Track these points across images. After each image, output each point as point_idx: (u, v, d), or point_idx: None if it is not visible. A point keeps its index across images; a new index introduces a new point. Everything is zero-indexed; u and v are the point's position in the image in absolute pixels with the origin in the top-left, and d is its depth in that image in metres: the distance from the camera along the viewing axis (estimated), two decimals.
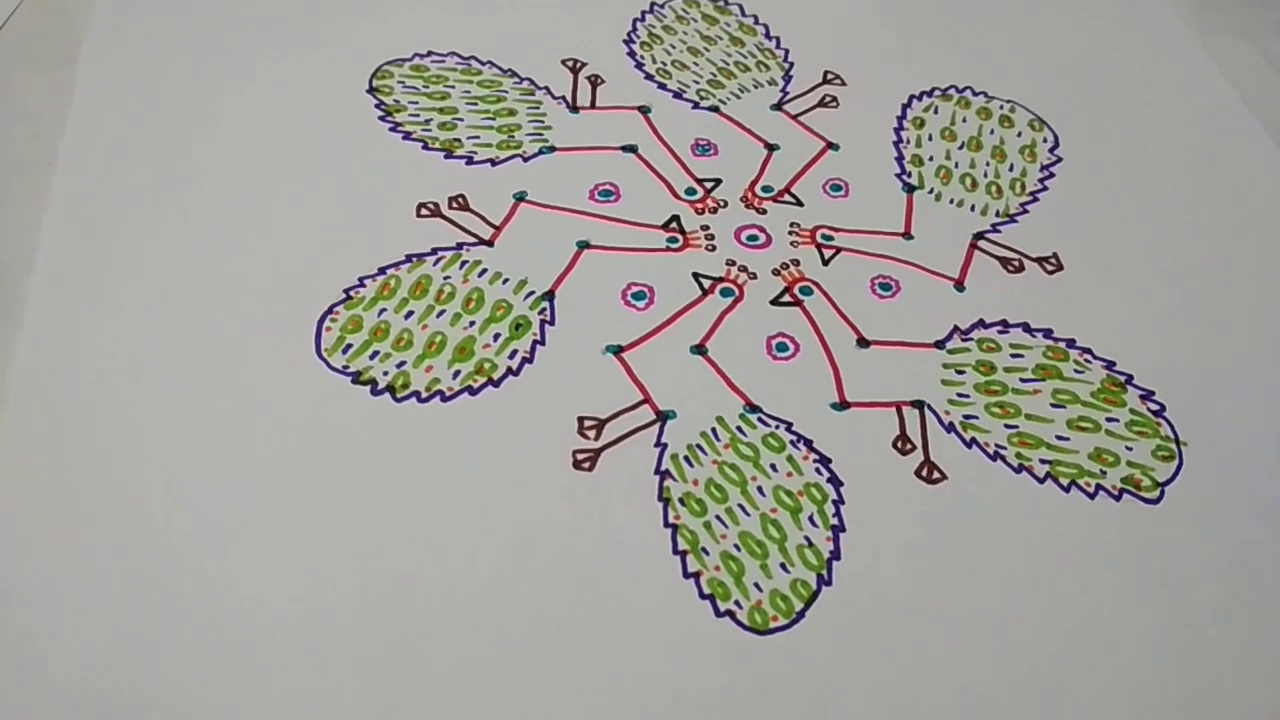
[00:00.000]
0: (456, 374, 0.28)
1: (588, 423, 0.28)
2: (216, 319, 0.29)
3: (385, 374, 0.28)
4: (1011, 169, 0.35)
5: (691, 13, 0.39)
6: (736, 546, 0.26)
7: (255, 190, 0.31)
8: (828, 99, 0.36)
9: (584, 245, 0.31)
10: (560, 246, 0.31)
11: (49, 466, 0.26)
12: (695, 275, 0.31)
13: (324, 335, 0.29)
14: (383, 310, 0.29)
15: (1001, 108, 0.37)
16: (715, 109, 0.36)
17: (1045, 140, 0.36)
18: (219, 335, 0.28)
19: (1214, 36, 0.41)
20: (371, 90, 0.35)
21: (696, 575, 0.25)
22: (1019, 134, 0.36)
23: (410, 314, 0.29)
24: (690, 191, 0.33)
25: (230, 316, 0.29)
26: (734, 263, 0.32)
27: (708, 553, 0.26)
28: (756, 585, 0.25)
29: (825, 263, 0.32)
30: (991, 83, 0.38)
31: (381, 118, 0.34)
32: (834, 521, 0.27)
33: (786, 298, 0.31)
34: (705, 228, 0.32)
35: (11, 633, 0.23)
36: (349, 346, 0.29)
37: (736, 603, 0.25)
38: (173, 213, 0.31)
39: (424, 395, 0.28)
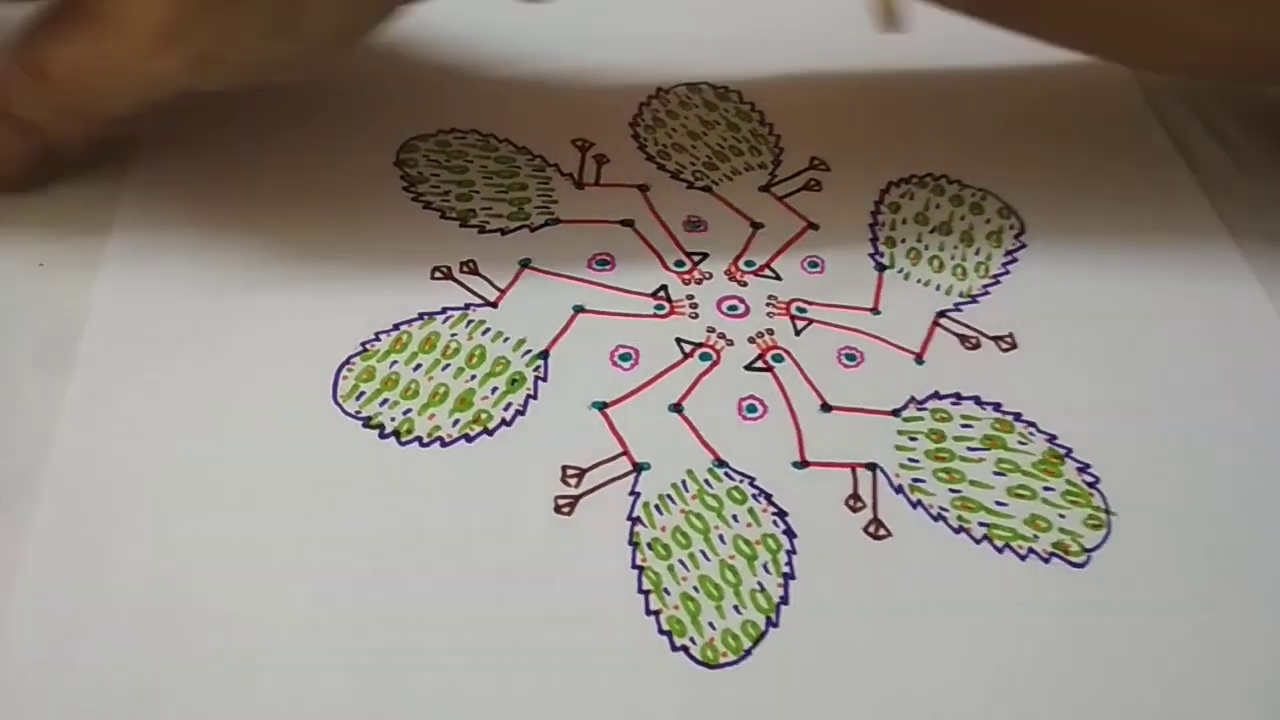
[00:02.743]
0: (456, 422, 0.32)
1: (570, 471, 0.31)
2: (247, 366, 0.32)
3: (393, 419, 0.32)
4: (978, 253, 0.38)
5: (694, 99, 0.43)
6: (695, 589, 0.29)
7: (287, 250, 0.35)
8: (812, 183, 0.40)
9: (579, 309, 0.35)
10: (558, 310, 0.35)
11: (90, 488, 0.29)
12: (678, 340, 0.35)
13: (340, 383, 0.32)
14: (394, 362, 0.33)
15: (973, 195, 0.40)
16: (708, 189, 0.39)
17: (1012, 227, 0.39)
18: (249, 381, 0.32)
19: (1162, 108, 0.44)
20: (398, 163, 0.38)
21: (657, 613, 0.28)
22: (987, 220, 0.39)
23: (419, 366, 0.33)
24: (679, 264, 0.37)
25: (259, 364, 0.32)
26: (714, 330, 0.35)
27: (669, 593, 0.29)
28: (711, 624, 0.28)
29: (797, 333, 0.35)
30: (966, 171, 0.41)
31: (405, 188, 0.38)
32: (785, 570, 0.30)
33: (759, 364, 0.34)
34: (690, 297, 0.36)
35: (37, 652, 0.26)
36: (362, 394, 0.32)
37: (691, 639, 0.28)
38: (213, 269, 0.35)
39: (425, 440, 0.31)
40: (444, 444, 0.31)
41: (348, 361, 0.33)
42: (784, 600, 0.29)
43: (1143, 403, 0.34)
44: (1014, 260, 0.38)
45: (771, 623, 0.29)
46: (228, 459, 0.30)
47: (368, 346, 0.33)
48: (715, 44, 0.45)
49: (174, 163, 0.38)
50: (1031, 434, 0.33)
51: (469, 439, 0.31)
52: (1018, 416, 0.34)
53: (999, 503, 0.32)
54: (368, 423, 0.31)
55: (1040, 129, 0.43)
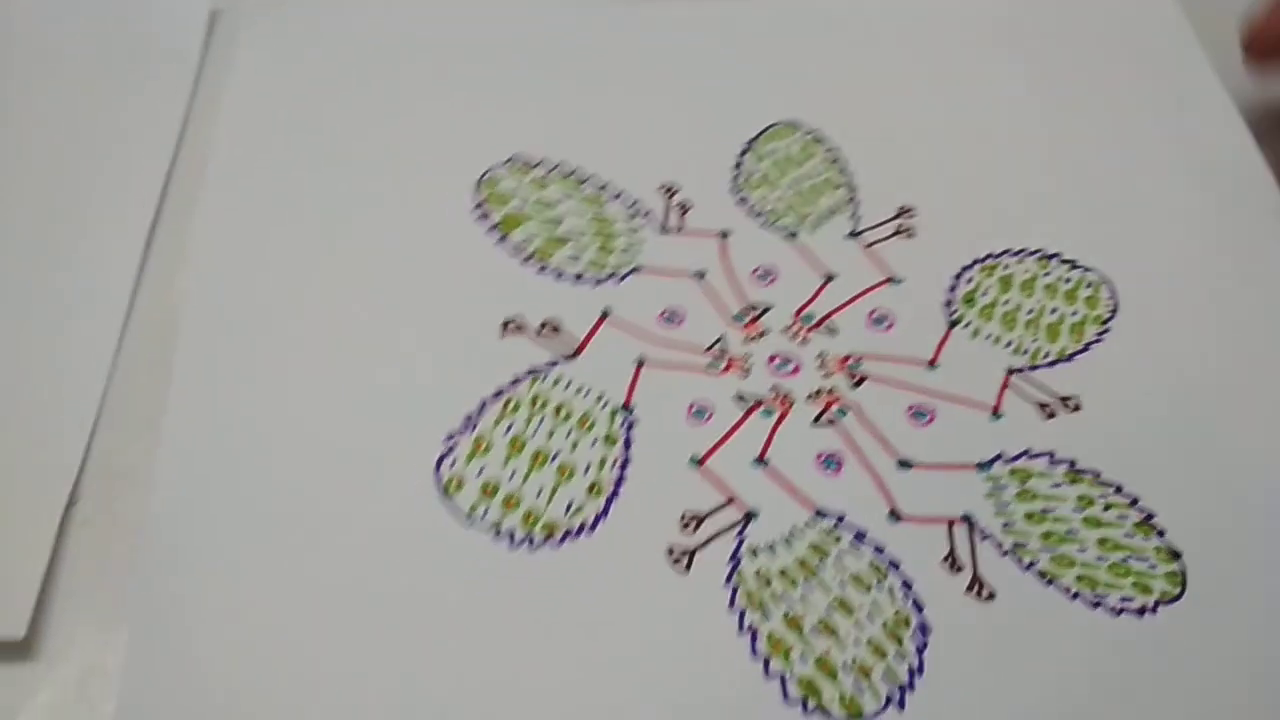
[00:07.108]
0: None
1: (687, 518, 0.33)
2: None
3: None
4: (1060, 317, 0.38)
5: (789, 136, 0.42)
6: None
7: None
8: (902, 229, 0.40)
9: (641, 362, 0.36)
10: (627, 363, 0.36)
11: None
12: (739, 396, 0.35)
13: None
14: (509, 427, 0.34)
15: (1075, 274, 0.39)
16: (794, 235, 0.39)
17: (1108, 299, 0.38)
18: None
19: None
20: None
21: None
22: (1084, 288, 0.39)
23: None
24: (739, 317, 0.37)
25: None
26: (771, 387, 0.36)
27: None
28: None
29: (854, 387, 0.36)
30: (1074, 248, 0.40)
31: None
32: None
33: (824, 419, 0.35)
34: (747, 355, 0.36)
35: None
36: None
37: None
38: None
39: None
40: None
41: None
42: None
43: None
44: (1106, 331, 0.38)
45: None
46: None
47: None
48: (813, 86, 0.44)
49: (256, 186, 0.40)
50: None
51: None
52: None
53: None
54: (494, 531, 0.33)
55: (1151, 201, 0.41)
